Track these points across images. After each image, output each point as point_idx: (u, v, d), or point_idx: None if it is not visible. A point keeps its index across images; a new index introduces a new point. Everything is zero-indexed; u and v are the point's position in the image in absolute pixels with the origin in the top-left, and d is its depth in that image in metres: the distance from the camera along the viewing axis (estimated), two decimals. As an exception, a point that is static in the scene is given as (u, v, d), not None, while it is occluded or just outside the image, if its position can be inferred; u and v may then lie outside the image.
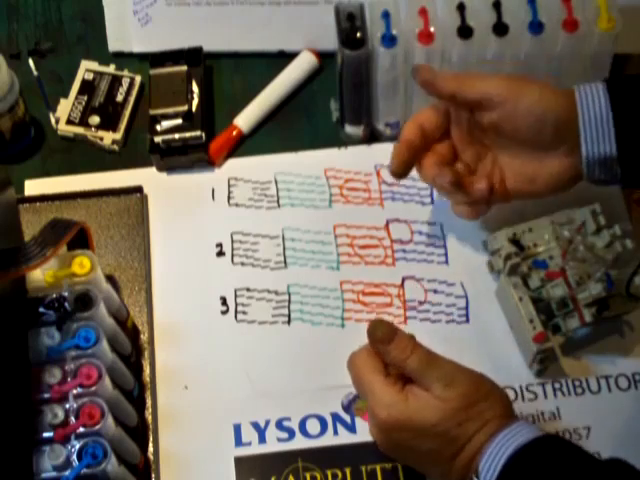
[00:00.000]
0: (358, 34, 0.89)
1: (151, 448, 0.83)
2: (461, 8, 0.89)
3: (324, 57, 1.00)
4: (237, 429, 0.84)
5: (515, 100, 0.81)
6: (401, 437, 0.75)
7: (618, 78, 0.90)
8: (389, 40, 0.88)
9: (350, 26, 0.90)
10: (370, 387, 0.77)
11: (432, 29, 0.88)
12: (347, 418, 0.84)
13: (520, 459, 0.71)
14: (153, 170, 0.96)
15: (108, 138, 0.97)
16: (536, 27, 0.88)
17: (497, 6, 0.88)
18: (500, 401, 0.76)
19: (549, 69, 0.91)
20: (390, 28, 0.88)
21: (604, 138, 0.80)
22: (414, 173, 0.92)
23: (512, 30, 0.88)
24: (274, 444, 0.83)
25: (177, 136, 0.94)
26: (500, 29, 0.88)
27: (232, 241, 0.92)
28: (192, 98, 0.96)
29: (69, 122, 0.98)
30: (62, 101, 0.98)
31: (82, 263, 0.79)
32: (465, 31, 0.88)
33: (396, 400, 0.75)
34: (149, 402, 0.84)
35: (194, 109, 0.96)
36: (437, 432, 0.74)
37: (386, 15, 0.88)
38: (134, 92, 0.99)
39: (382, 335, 0.77)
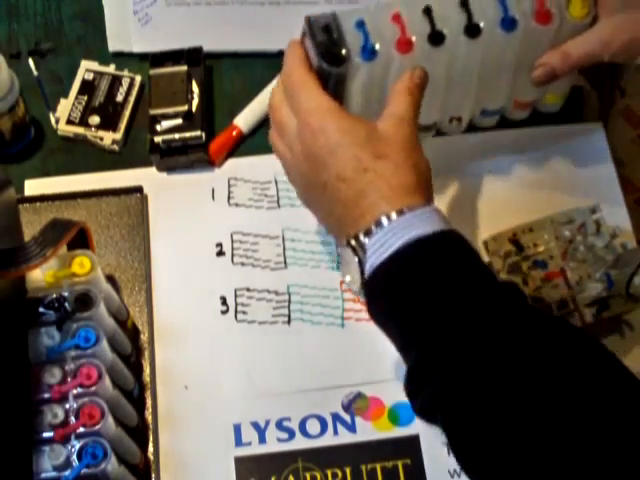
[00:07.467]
0: (342, 49, 0.79)
1: (151, 448, 0.83)
2: (428, 12, 0.81)
3: (324, 57, 1.00)
4: (237, 429, 0.84)
5: None
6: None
7: None
8: (369, 52, 0.79)
9: (327, 39, 0.80)
10: (311, 93, 0.76)
11: (410, 36, 0.80)
12: (347, 418, 0.84)
13: (414, 249, 0.69)
14: (153, 170, 0.96)
15: (108, 138, 0.97)
16: (509, 23, 0.81)
17: (465, 5, 0.81)
18: (425, 173, 0.74)
19: (529, 64, 0.86)
20: (369, 38, 0.79)
21: None
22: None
23: (485, 30, 0.81)
24: (274, 444, 0.83)
25: (177, 136, 0.94)
26: (472, 30, 0.81)
27: (232, 241, 0.92)
28: (192, 98, 0.96)
29: (69, 122, 0.98)
30: (62, 101, 0.98)
31: (82, 263, 0.79)
32: (436, 37, 0.81)
33: (335, 111, 0.75)
34: (149, 402, 0.84)
35: (194, 109, 0.96)
36: (354, 152, 0.72)
37: (361, 24, 0.79)
38: (134, 92, 0.99)
39: None
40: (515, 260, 0.84)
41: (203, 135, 0.95)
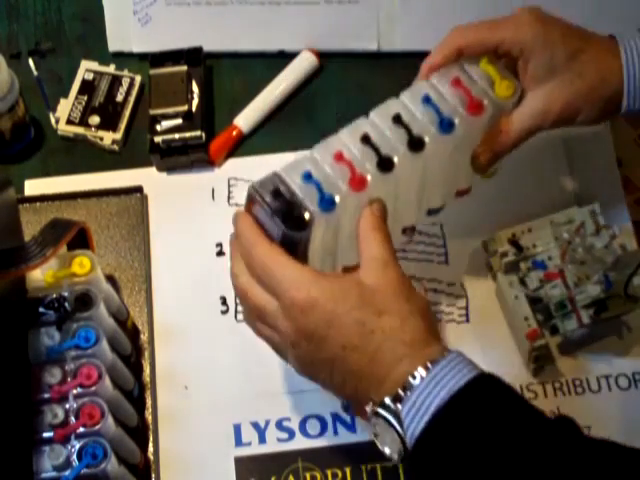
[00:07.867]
0: (304, 212, 0.72)
1: (151, 448, 0.83)
2: (367, 140, 0.76)
3: (324, 57, 1.00)
4: (237, 429, 0.84)
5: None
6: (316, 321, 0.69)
7: None
8: (328, 203, 0.73)
9: (282, 203, 0.73)
10: (285, 268, 0.70)
11: (361, 172, 0.75)
12: (347, 418, 0.84)
13: (452, 408, 0.64)
14: (153, 170, 0.96)
15: (108, 138, 0.97)
16: (447, 125, 0.77)
17: (399, 121, 0.77)
18: (428, 314, 0.71)
19: (468, 154, 0.83)
20: (323, 190, 0.73)
21: None
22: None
23: (427, 140, 0.77)
24: (274, 444, 0.83)
25: (177, 136, 0.95)
26: (415, 145, 0.76)
27: (232, 241, 0.92)
28: (192, 98, 0.96)
29: (69, 122, 0.98)
30: (62, 101, 0.98)
31: (82, 263, 0.80)
32: (385, 164, 0.75)
33: (316, 278, 0.70)
34: (149, 402, 0.85)
35: (194, 109, 0.96)
36: (355, 318, 0.68)
37: (309, 177, 0.74)
38: (134, 92, 0.99)
39: None
40: (514, 260, 0.84)
41: (203, 135, 0.95)
